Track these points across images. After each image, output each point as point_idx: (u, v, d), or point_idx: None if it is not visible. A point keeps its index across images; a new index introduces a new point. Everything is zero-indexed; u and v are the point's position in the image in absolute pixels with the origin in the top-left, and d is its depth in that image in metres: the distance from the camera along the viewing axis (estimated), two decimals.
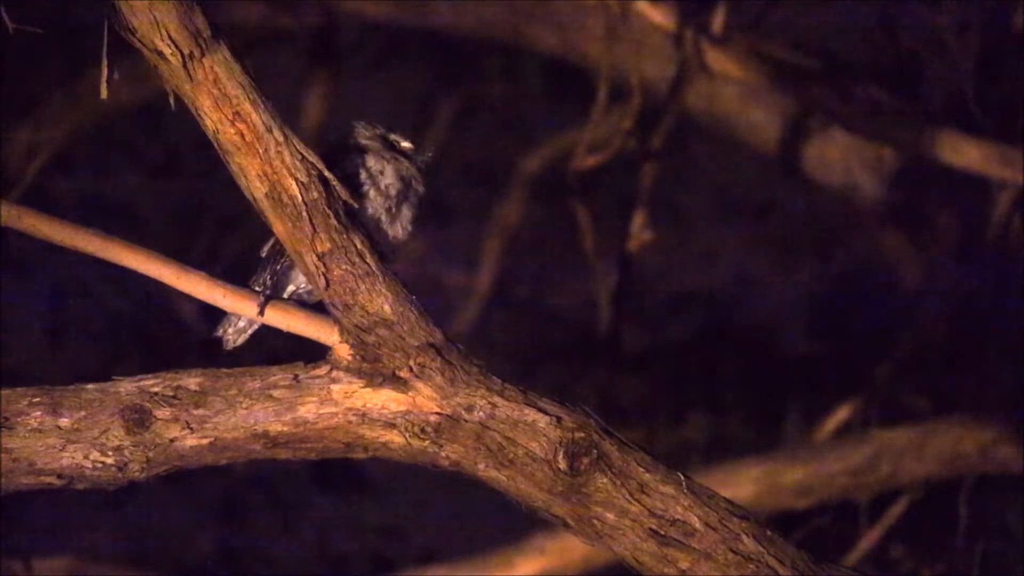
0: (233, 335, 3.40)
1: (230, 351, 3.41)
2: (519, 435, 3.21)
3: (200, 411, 3.21)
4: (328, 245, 3.17)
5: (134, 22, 3.05)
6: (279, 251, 3.29)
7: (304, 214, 3.15)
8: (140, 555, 6.56)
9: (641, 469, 3.23)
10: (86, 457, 3.19)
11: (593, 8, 5.85)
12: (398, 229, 3.36)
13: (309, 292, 3.32)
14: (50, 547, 5.90)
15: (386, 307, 3.19)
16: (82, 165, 6.82)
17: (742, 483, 5.60)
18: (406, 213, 3.37)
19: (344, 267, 3.18)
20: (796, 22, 6.03)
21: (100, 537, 6.43)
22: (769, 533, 3.26)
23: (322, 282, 3.18)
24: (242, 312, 3.30)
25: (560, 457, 3.20)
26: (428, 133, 7.42)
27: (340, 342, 3.22)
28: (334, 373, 3.22)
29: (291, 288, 3.34)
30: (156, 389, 3.22)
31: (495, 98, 7.57)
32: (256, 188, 3.16)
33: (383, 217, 3.34)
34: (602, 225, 6.09)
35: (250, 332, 3.38)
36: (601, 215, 6.12)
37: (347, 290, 3.19)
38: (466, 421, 3.20)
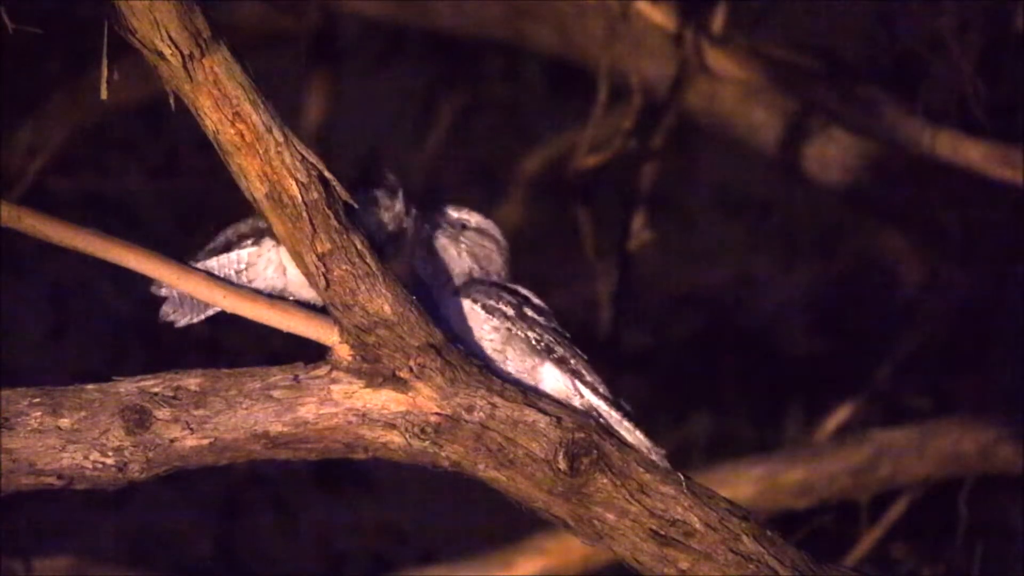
0: (174, 315, 3.38)
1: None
2: (519, 435, 3.21)
3: (200, 411, 3.20)
4: (328, 245, 3.17)
5: (134, 22, 3.05)
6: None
7: (304, 214, 3.15)
8: (140, 555, 6.56)
9: (641, 469, 3.23)
10: (86, 457, 3.19)
11: (593, 8, 5.85)
12: None
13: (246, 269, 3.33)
14: (50, 547, 5.90)
15: (386, 307, 3.19)
16: (82, 165, 6.81)
17: (742, 483, 5.60)
18: None
19: (344, 267, 3.18)
20: (796, 22, 6.03)
21: (100, 537, 6.43)
22: (769, 533, 3.26)
23: (322, 282, 3.18)
24: (241, 312, 3.30)
25: (560, 457, 3.20)
26: (429, 133, 7.43)
27: (340, 342, 3.22)
28: (334, 373, 3.22)
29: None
30: (156, 389, 3.22)
31: (495, 98, 7.57)
32: (256, 188, 3.16)
33: None
34: (602, 225, 6.09)
35: (203, 315, 3.37)
36: (601, 215, 6.12)
37: (347, 290, 3.19)
38: (466, 421, 3.20)
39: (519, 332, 3.30)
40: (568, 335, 3.35)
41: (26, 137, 6.12)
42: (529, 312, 3.34)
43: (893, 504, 5.81)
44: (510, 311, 3.33)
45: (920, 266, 6.35)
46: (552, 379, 3.30)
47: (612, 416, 3.28)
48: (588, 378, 3.30)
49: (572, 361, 3.31)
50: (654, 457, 3.25)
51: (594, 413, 3.28)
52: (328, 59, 6.96)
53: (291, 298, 3.32)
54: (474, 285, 3.36)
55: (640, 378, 7.15)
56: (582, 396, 3.29)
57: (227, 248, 3.34)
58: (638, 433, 3.27)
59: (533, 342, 3.30)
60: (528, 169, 7.30)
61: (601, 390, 3.30)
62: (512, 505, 3.27)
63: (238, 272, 3.33)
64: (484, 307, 3.33)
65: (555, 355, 3.31)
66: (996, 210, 5.78)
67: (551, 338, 3.32)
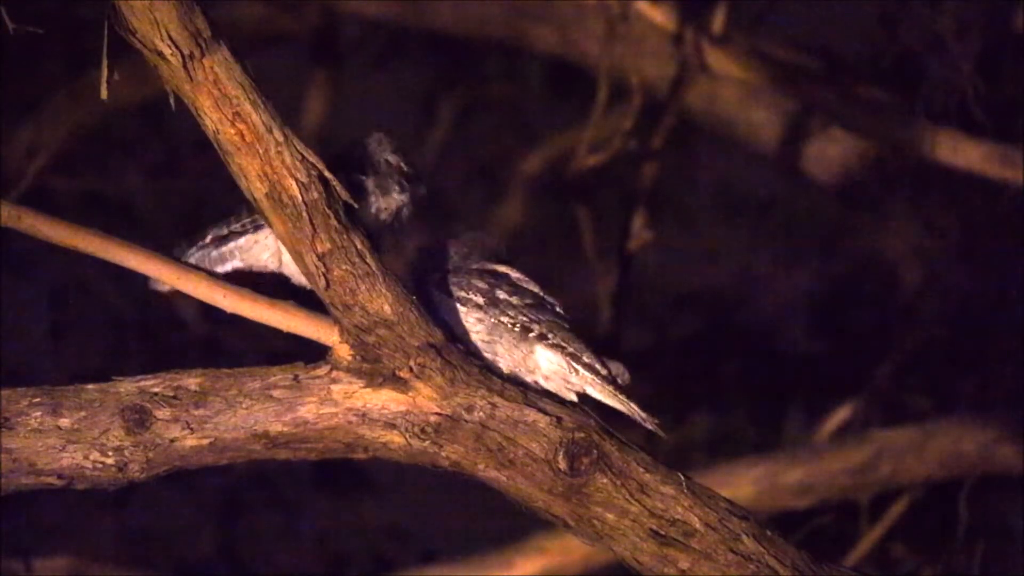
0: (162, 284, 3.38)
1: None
2: (519, 435, 3.21)
3: (200, 411, 3.21)
4: (328, 245, 3.17)
5: (134, 22, 3.05)
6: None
7: (304, 214, 3.15)
8: (141, 555, 6.56)
9: (641, 469, 3.24)
10: (86, 457, 3.19)
11: (593, 8, 5.85)
12: None
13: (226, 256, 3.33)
14: (50, 547, 5.90)
15: (386, 307, 3.19)
16: (82, 165, 6.81)
17: (742, 483, 5.60)
18: None
19: (344, 267, 3.18)
20: (796, 22, 6.03)
21: (101, 537, 6.43)
22: (769, 533, 3.26)
23: (322, 282, 3.18)
24: (241, 312, 3.30)
25: (560, 457, 3.21)
26: (429, 133, 7.43)
27: (340, 342, 3.22)
28: (334, 373, 3.22)
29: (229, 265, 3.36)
30: (156, 389, 3.22)
31: (495, 98, 7.57)
32: (256, 188, 3.16)
33: None
34: (602, 225, 6.09)
35: None
36: (601, 215, 6.12)
37: (347, 290, 3.19)
38: (466, 421, 3.21)
39: (493, 319, 3.30)
40: (551, 303, 3.35)
41: (26, 137, 6.12)
42: (502, 295, 3.34)
43: (893, 504, 5.81)
44: (480, 299, 3.33)
45: (920, 266, 6.34)
46: (545, 361, 3.31)
47: (606, 389, 3.29)
48: (570, 349, 3.30)
49: (550, 336, 3.31)
50: (648, 425, 3.26)
51: (587, 388, 3.30)
52: (328, 59, 6.96)
53: (288, 280, 3.33)
54: (449, 276, 3.36)
55: (641, 377, 7.13)
56: (578, 372, 3.30)
57: (223, 238, 3.35)
58: (632, 404, 3.28)
59: (509, 325, 3.30)
60: (528, 169, 7.30)
61: (585, 359, 3.29)
62: (512, 505, 3.27)
63: (232, 256, 3.34)
64: (459, 300, 3.33)
65: (532, 334, 3.30)
66: (996, 210, 5.78)
67: (526, 317, 3.32)
